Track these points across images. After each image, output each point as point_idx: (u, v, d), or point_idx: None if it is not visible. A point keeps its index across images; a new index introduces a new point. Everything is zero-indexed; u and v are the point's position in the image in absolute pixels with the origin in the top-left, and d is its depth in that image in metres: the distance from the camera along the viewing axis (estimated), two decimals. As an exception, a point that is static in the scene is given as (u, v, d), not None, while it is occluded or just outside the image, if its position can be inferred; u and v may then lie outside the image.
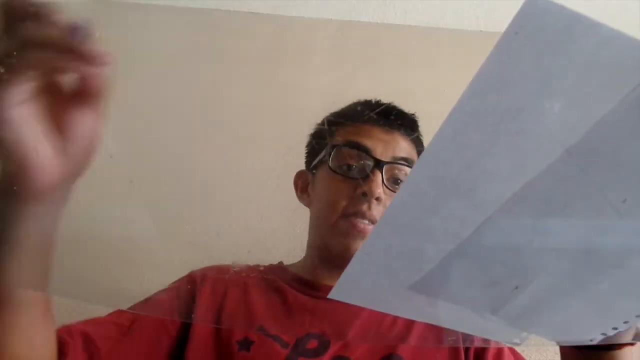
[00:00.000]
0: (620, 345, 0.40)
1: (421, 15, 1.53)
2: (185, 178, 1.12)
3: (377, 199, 0.63)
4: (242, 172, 1.08)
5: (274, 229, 1.04)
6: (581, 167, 0.22)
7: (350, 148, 0.68)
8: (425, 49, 1.63)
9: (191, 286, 0.65)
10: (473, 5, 1.48)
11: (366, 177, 0.63)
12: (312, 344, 0.59)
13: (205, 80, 1.44)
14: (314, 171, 0.73)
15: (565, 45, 0.21)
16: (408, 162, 0.73)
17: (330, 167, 0.69)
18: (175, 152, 1.16)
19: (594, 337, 0.30)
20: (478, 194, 0.25)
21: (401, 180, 0.68)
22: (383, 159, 0.66)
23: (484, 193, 0.24)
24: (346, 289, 0.29)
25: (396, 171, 0.67)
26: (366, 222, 0.62)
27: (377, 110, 0.72)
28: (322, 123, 0.73)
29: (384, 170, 0.66)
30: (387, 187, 0.65)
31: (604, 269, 0.27)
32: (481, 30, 1.54)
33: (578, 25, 0.21)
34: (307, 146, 0.76)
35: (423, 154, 0.24)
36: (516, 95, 0.22)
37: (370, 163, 0.65)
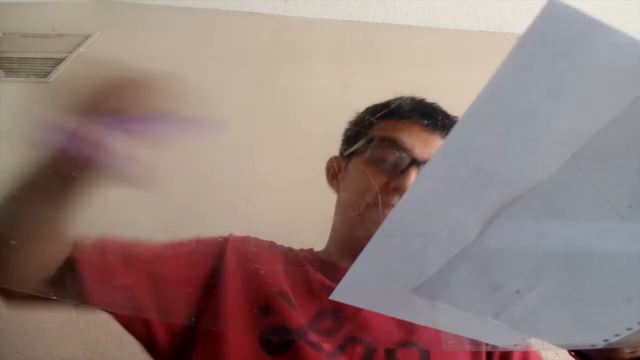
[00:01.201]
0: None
1: (421, 16, 1.53)
2: (186, 178, 1.12)
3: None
4: (242, 173, 1.08)
5: (274, 229, 1.04)
6: (586, 172, 0.22)
7: (389, 143, 0.68)
8: (425, 49, 1.62)
9: (223, 245, 0.65)
10: (473, 5, 1.48)
11: (401, 173, 0.64)
12: (326, 324, 0.58)
13: (205, 80, 1.43)
14: (348, 159, 0.73)
15: (581, 51, 0.21)
16: None
17: (366, 159, 0.70)
18: (175, 152, 1.16)
19: (596, 342, 0.30)
20: (486, 197, 0.24)
21: None
22: (420, 158, 0.66)
23: (492, 196, 0.24)
24: (349, 290, 0.29)
25: None
26: None
27: (420, 108, 0.72)
28: (365, 112, 0.72)
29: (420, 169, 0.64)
30: None
31: (607, 274, 0.27)
32: (481, 30, 1.54)
33: (595, 31, 0.20)
34: (344, 133, 0.76)
35: (434, 155, 0.23)
36: (530, 99, 0.22)
37: (407, 160, 0.65)
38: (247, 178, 1.05)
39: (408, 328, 0.57)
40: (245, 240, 0.69)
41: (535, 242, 0.25)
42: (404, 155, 0.66)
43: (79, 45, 1.46)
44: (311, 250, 0.73)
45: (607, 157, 0.22)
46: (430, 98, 1.31)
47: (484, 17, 1.53)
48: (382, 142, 0.68)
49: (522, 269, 0.27)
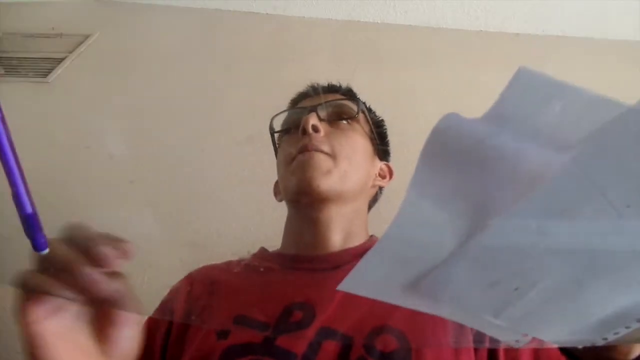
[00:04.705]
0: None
1: (421, 16, 1.53)
2: (186, 178, 1.12)
3: (314, 128, 0.66)
4: (242, 172, 1.08)
5: (274, 229, 1.04)
6: (585, 171, 0.22)
7: (291, 116, 0.76)
8: (425, 49, 1.63)
9: (181, 287, 0.66)
10: (473, 5, 1.48)
11: (302, 127, 0.67)
12: (296, 316, 0.55)
13: (205, 80, 1.44)
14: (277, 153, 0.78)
15: (548, 109, 0.24)
16: (340, 93, 0.77)
17: (275, 140, 0.78)
18: (175, 152, 1.16)
19: (595, 340, 0.30)
20: (502, 169, 0.25)
21: (344, 114, 0.71)
22: (309, 106, 0.72)
23: (507, 167, 0.24)
24: (358, 280, 0.29)
25: (334, 109, 0.72)
26: (310, 152, 0.65)
27: (307, 89, 0.79)
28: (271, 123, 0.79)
29: (319, 110, 0.69)
30: (327, 120, 0.69)
31: (606, 273, 0.27)
32: (481, 30, 1.54)
33: (560, 93, 0.24)
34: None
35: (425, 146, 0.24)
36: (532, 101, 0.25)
37: (305, 113, 0.69)
38: (246, 177, 1.05)
39: (382, 311, 0.54)
40: (199, 272, 0.69)
41: (534, 241, 0.25)
42: (300, 113, 0.71)
43: (79, 45, 1.46)
44: (262, 249, 0.73)
45: (607, 157, 0.22)
46: (429, 97, 1.31)
47: (484, 17, 1.53)
48: (282, 114, 0.76)
49: (521, 267, 0.27)
